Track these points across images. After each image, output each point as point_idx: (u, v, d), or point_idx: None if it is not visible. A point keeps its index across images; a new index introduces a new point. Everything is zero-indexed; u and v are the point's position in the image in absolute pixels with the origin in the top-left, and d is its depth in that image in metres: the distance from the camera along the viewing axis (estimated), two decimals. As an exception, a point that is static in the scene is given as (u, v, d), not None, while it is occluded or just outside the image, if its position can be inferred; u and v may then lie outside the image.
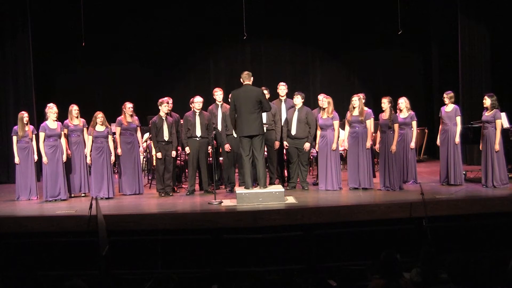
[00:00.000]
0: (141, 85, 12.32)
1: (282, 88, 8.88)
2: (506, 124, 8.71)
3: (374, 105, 9.56)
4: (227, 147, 8.41)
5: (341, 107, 9.73)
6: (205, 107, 8.73)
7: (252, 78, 7.69)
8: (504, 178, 7.97)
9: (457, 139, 8.24)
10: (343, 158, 9.41)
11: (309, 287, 5.53)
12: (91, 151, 8.29)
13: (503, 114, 8.45)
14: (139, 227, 6.76)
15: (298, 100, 8.52)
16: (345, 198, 7.88)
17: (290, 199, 7.52)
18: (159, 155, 8.35)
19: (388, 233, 6.68)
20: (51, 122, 8.24)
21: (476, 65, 11.07)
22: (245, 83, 7.62)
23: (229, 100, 8.61)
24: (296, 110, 8.50)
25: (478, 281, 3.93)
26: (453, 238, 6.67)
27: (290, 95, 8.89)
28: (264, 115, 7.90)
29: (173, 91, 11.36)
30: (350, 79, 13.08)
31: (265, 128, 7.86)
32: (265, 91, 8.21)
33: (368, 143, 8.21)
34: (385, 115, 8.13)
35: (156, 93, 9.97)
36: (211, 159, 8.51)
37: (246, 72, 7.72)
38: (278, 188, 7.69)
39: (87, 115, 8.60)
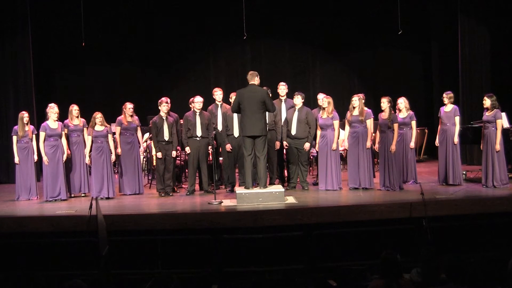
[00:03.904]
0: (141, 85, 12.33)
1: (282, 88, 8.88)
2: (506, 124, 8.71)
3: (374, 105, 9.55)
4: (228, 147, 8.41)
5: (341, 107, 9.73)
6: (205, 107, 8.73)
7: (257, 77, 7.63)
8: (504, 178, 7.97)
9: (456, 139, 8.25)
10: (343, 158, 9.41)
11: (309, 287, 5.53)
12: (90, 151, 8.30)
13: (503, 114, 8.44)
14: (139, 227, 6.76)
15: (298, 100, 8.52)
16: (345, 198, 7.88)
17: (290, 199, 7.52)
18: (159, 155, 8.35)
19: (388, 233, 6.68)
20: (52, 122, 8.24)
21: (476, 65, 11.07)
22: (251, 82, 7.61)
23: (230, 98, 8.65)
24: (296, 110, 8.50)
25: (477, 281, 3.93)
26: (453, 238, 6.66)
27: (290, 95, 8.89)
28: (264, 115, 7.91)
29: (173, 91, 11.38)
30: (350, 79, 13.08)
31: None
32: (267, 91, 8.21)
33: (368, 143, 8.21)
34: (384, 115, 8.13)
35: (156, 93, 9.97)
36: (211, 159, 8.51)
37: (251, 72, 7.70)
38: (278, 188, 7.69)
39: (87, 115, 8.60)
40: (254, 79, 7.60)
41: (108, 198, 8.17)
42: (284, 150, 8.74)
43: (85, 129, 8.49)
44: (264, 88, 8.02)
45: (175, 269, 6.13)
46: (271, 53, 12.87)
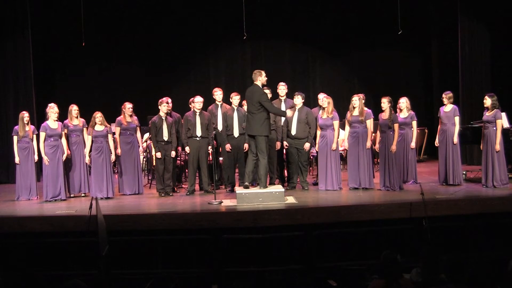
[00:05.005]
0: (141, 85, 12.33)
1: (282, 88, 8.87)
2: (506, 124, 8.70)
3: (374, 105, 9.55)
4: (228, 147, 8.42)
5: (341, 107, 9.73)
6: (205, 107, 8.73)
7: (261, 76, 7.55)
8: (504, 178, 7.97)
9: (456, 139, 8.25)
10: (343, 158, 9.41)
11: (309, 287, 5.53)
12: (90, 151, 8.30)
13: (503, 114, 8.44)
14: (139, 227, 6.76)
15: (298, 100, 8.52)
16: (345, 198, 7.88)
17: (290, 199, 7.52)
18: (159, 155, 8.36)
19: (388, 233, 6.68)
20: (52, 122, 8.24)
21: (476, 65, 11.07)
22: (254, 82, 7.64)
23: (231, 98, 8.72)
24: (296, 110, 8.49)
25: (477, 281, 3.93)
26: (453, 238, 6.66)
27: (290, 95, 8.89)
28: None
29: (173, 91, 11.37)
30: (350, 79, 13.08)
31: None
32: (267, 91, 8.21)
33: (368, 143, 8.21)
34: (385, 115, 8.13)
35: (156, 93, 9.97)
36: (211, 159, 8.51)
37: (255, 71, 7.72)
38: (278, 188, 7.69)
39: (87, 115, 8.60)
40: (257, 79, 7.61)
41: (107, 198, 8.17)
42: (284, 150, 8.74)
43: (84, 129, 8.50)
44: (264, 88, 8.03)
45: (175, 269, 6.14)
46: (271, 53, 12.86)
